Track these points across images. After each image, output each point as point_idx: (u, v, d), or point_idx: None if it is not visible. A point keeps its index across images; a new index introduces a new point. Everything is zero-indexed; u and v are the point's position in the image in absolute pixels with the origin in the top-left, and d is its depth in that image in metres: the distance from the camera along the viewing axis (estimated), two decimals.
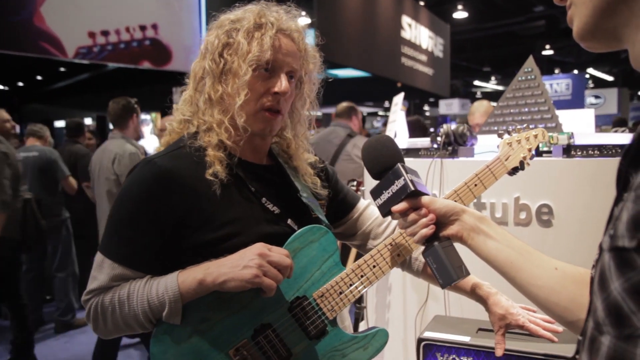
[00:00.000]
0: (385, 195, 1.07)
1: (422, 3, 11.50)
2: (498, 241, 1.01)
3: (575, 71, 16.92)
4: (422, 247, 1.50)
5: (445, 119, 18.95)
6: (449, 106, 18.40)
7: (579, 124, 2.80)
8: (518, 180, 2.15)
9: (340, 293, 1.28)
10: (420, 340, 1.78)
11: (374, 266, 1.30)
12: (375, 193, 1.09)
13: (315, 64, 1.38)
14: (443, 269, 1.02)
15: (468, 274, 1.03)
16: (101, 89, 9.81)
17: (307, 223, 1.31)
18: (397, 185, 1.05)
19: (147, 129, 8.00)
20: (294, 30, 1.31)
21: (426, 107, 22.46)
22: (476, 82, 22.09)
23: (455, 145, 2.26)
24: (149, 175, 1.22)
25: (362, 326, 2.81)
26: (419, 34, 11.08)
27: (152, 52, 6.25)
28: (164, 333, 1.22)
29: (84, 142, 5.84)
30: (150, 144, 7.28)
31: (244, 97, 1.23)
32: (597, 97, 16.24)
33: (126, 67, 6.40)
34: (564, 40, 15.84)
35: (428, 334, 1.79)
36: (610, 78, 19.73)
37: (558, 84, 15.17)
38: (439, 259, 1.02)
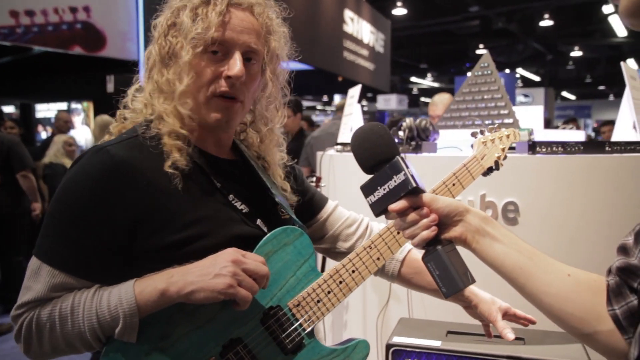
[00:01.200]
0: (380, 192, 0.94)
1: None
2: (505, 244, 0.93)
3: (507, 70, 17.60)
4: (404, 249, 1.42)
5: (383, 114, 19.18)
6: (387, 101, 18.64)
7: (529, 120, 2.83)
8: (484, 177, 2.11)
9: (318, 301, 1.16)
10: (389, 346, 1.69)
11: (353, 271, 1.19)
12: (368, 189, 0.96)
13: (281, 41, 1.21)
14: (447, 276, 0.91)
15: (474, 281, 0.94)
16: (25, 74, 9.09)
17: (277, 224, 1.19)
18: (395, 181, 0.93)
19: (78, 119, 7.46)
20: (253, 1, 1.14)
21: (364, 102, 22.65)
22: (413, 79, 22.51)
23: (418, 140, 2.19)
24: (101, 165, 1.05)
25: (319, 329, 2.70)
26: (360, 29, 11.07)
27: (84, 37, 5.80)
28: (117, 352, 1.05)
29: (5, 131, 5.38)
30: (82, 135, 6.81)
31: (187, 81, 1.08)
32: (526, 95, 16.97)
33: (55, 51, 5.92)
34: (497, 41, 16.43)
35: (397, 339, 1.71)
36: (537, 78, 20.67)
37: None
38: (443, 264, 0.92)
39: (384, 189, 0.94)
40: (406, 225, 0.94)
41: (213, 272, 1.00)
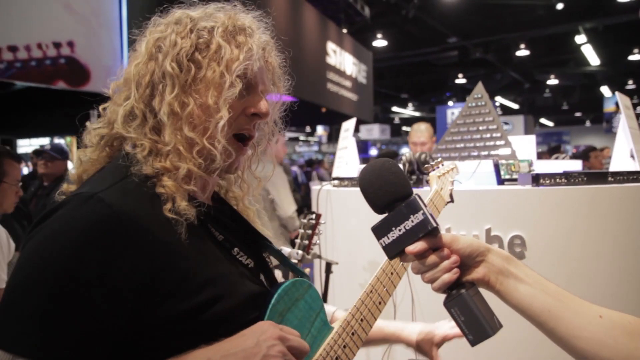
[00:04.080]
0: (395, 233, 0.87)
1: (344, 30, 11.68)
2: (531, 285, 0.87)
3: None
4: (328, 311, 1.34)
5: (366, 143, 19.31)
6: (370, 131, 18.80)
7: (521, 150, 2.82)
8: (488, 211, 2.08)
9: (337, 359, 1.08)
10: None
11: (362, 320, 1.12)
12: (380, 230, 0.88)
13: (281, 86, 1.14)
14: (474, 322, 0.85)
15: (501, 325, 0.88)
16: (7, 109, 8.96)
17: (270, 275, 1.09)
18: (412, 221, 0.86)
19: None
20: (267, 42, 1.08)
21: None
22: (394, 108, 22.79)
23: (419, 174, 2.16)
24: (96, 218, 0.83)
25: None
26: (343, 61, 11.21)
27: (68, 72, 5.74)
28: None
29: None
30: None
31: (228, 115, 0.95)
32: (506, 123, 17.23)
33: (38, 86, 5.84)
34: (475, 70, 16.79)
35: None
36: (515, 106, 21.10)
37: None
38: (469, 310, 0.85)
39: (400, 230, 0.87)
40: (425, 268, 0.88)
41: (260, 352, 0.85)
